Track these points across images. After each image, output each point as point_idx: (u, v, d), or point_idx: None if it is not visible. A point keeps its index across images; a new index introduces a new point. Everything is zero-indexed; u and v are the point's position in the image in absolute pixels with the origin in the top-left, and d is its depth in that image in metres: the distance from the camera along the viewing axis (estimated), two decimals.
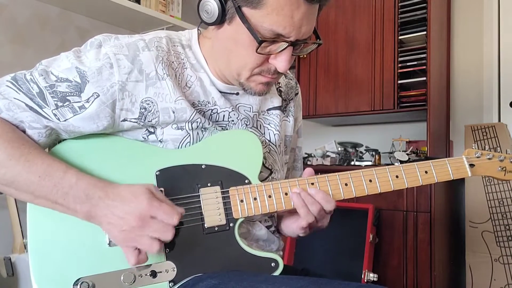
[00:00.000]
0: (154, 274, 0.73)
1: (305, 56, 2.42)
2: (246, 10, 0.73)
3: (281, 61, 0.76)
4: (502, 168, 0.89)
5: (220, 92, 0.85)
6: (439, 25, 2.22)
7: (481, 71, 2.31)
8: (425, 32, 2.06)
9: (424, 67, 2.05)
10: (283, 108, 0.95)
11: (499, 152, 0.89)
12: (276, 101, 0.94)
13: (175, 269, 0.74)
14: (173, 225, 0.70)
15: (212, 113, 0.84)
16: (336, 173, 0.82)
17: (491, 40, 2.28)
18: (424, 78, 2.05)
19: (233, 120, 0.86)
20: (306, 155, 2.39)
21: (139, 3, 2.32)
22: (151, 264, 0.73)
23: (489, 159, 0.88)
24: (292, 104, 0.98)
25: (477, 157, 0.88)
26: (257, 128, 0.90)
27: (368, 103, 2.22)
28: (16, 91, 0.72)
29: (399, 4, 2.16)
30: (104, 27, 2.44)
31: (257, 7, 0.72)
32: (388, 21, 2.18)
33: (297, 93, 1.01)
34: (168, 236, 0.69)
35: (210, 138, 0.82)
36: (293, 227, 0.87)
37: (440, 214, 1.94)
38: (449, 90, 2.37)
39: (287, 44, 0.75)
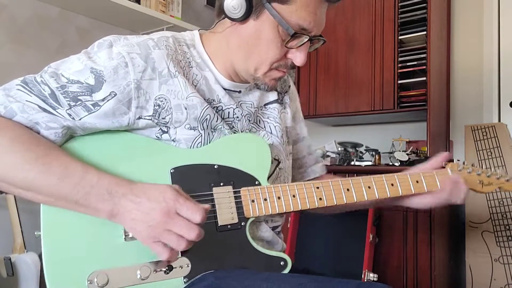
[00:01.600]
0: (169, 269, 0.74)
1: None
2: (275, 5, 0.78)
3: (300, 55, 0.82)
4: (480, 182, 0.98)
5: (225, 89, 0.87)
6: (439, 25, 2.22)
7: (481, 71, 2.31)
8: (425, 32, 2.06)
9: (424, 67, 2.05)
10: (280, 101, 0.99)
11: (477, 167, 0.99)
12: (272, 96, 0.97)
13: (189, 265, 0.75)
14: (197, 222, 0.69)
15: (217, 110, 0.85)
16: (339, 179, 0.88)
17: (491, 40, 2.28)
18: (424, 78, 2.05)
19: (237, 117, 0.88)
20: None
21: (139, 3, 2.32)
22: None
23: (469, 172, 0.98)
24: (287, 97, 1.01)
25: (459, 170, 0.97)
26: (257, 123, 0.93)
27: (368, 103, 2.22)
28: (28, 94, 0.72)
29: (399, 4, 2.16)
30: (104, 27, 2.44)
31: (287, 2, 0.77)
32: (388, 21, 2.18)
33: (290, 85, 1.05)
34: (192, 234, 0.68)
35: (221, 140, 0.84)
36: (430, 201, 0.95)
37: (440, 214, 1.94)
38: (449, 90, 2.37)
39: (308, 38, 0.80)
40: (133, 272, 0.72)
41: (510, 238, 1.98)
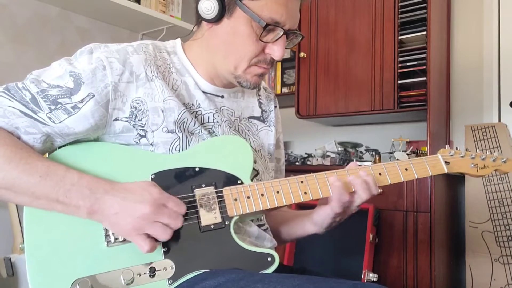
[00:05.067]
0: (152, 272, 0.74)
1: (304, 56, 2.42)
2: (246, 1, 0.80)
3: (277, 50, 0.83)
4: (474, 165, 0.95)
5: (205, 94, 0.90)
6: (439, 25, 2.22)
7: (481, 71, 2.31)
8: (425, 32, 2.06)
9: (424, 67, 2.05)
10: (262, 119, 1.02)
11: (470, 151, 0.96)
12: (257, 112, 1.01)
13: (174, 267, 0.75)
14: (182, 213, 0.74)
15: (197, 115, 0.87)
16: (323, 172, 0.87)
17: (491, 40, 2.28)
18: (424, 78, 2.04)
19: (217, 122, 0.90)
20: (306, 155, 2.39)
21: (139, 3, 2.32)
22: (150, 263, 0.74)
23: (461, 157, 0.95)
24: (273, 115, 1.04)
25: (451, 155, 0.95)
26: (238, 132, 0.94)
27: (368, 103, 2.22)
28: (10, 99, 0.74)
29: (399, 4, 2.15)
30: (104, 27, 2.43)
31: None
32: (388, 21, 2.18)
33: (276, 106, 1.07)
34: (178, 223, 0.73)
35: (201, 143, 0.84)
36: (326, 214, 0.90)
37: (440, 214, 1.94)
38: (449, 90, 2.37)
39: (283, 32, 0.82)
40: (117, 277, 0.72)
41: (510, 238, 1.98)
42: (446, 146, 0.97)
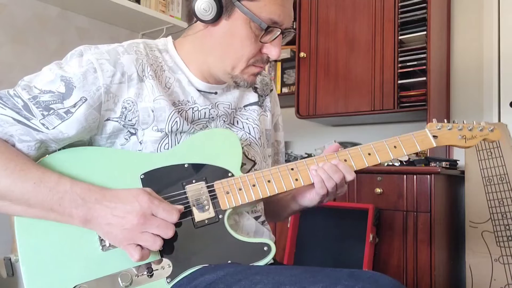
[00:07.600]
0: (150, 272, 0.74)
1: (304, 56, 2.42)
2: (244, 3, 0.80)
3: (275, 49, 0.84)
4: (462, 137, 0.94)
5: (199, 91, 0.89)
6: (439, 25, 2.22)
7: (481, 71, 2.31)
8: (425, 32, 2.06)
9: (424, 67, 2.05)
10: (260, 104, 1.01)
11: (457, 123, 0.95)
12: (252, 98, 0.99)
13: (171, 265, 0.75)
14: (173, 222, 0.73)
15: (193, 111, 0.87)
16: (313, 157, 0.87)
17: (491, 40, 2.28)
18: (424, 78, 2.04)
19: (213, 117, 0.90)
20: (306, 155, 2.39)
21: (139, 3, 2.32)
22: (147, 263, 0.74)
23: (449, 129, 0.94)
24: (268, 100, 1.03)
25: (438, 129, 0.94)
26: (233, 124, 0.94)
27: (368, 103, 2.22)
28: (2, 107, 0.74)
29: (399, 4, 2.16)
30: (104, 27, 2.43)
31: None
32: (388, 21, 2.18)
33: (272, 89, 1.06)
34: (169, 233, 0.72)
35: (188, 139, 0.84)
36: (310, 196, 0.91)
37: (440, 214, 1.94)
38: (449, 90, 2.37)
39: (280, 31, 0.83)
40: (114, 280, 0.72)
41: (510, 238, 1.98)
42: (433, 120, 0.96)
